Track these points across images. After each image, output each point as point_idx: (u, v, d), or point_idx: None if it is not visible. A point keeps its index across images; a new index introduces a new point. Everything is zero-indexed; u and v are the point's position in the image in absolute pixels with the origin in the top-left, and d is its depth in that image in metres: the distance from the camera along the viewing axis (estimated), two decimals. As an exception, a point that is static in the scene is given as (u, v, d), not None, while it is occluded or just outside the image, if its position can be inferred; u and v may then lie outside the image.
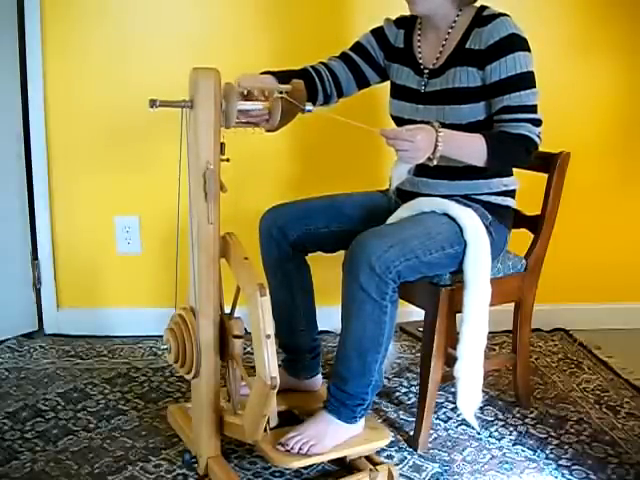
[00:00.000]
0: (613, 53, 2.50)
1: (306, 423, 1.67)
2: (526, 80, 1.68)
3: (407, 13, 1.88)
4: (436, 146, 1.58)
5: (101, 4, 2.31)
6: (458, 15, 1.76)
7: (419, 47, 1.84)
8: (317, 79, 1.85)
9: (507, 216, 1.85)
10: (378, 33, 1.91)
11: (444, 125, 1.67)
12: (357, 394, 1.65)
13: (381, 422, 1.95)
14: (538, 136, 1.69)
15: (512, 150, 1.68)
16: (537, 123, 1.69)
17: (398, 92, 1.87)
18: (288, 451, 1.60)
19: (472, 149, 1.65)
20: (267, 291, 1.46)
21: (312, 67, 1.88)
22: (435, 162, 1.61)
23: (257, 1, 2.37)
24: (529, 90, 1.68)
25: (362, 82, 1.93)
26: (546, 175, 1.91)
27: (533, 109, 1.69)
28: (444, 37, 1.77)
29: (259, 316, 1.45)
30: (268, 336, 1.45)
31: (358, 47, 1.92)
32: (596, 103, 2.54)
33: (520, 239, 1.95)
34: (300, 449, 1.59)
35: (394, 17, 1.92)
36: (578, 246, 2.60)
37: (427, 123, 1.64)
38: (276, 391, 1.45)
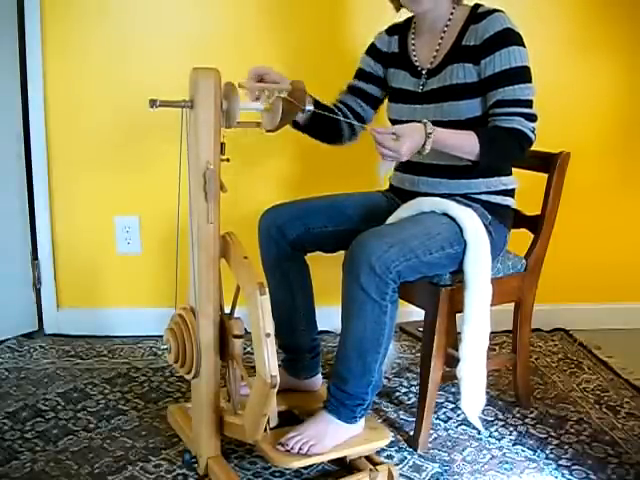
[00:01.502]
0: (613, 53, 2.50)
1: (306, 423, 1.67)
2: (520, 74, 1.68)
3: (399, 20, 1.92)
4: (424, 145, 1.60)
5: (101, 4, 2.31)
6: (452, 13, 1.77)
7: (414, 49, 1.85)
8: (341, 116, 1.88)
9: (507, 216, 1.85)
10: (371, 50, 1.96)
11: (443, 123, 1.68)
12: (357, 394, 1.65)
13: (381, 422, 1.95)
14: (532, 131, 1.68)
15: (504, 145, 1.68)
16: (531, 118, 1.68)
17: (396, 95, 1.88)
18: (288, 451, 1.60)
19: (463, 146, 1.65)
20: (267, 290, 1.46)
21: (333, 106, 1.92)
22: (422, 157, 1.63)
23: (258, 1, 2.37)
24: (523, 84, 1.68)
25: (375, 103, 1.98)
26: (546, 175, 1.91)
27: (527, 104, 1.68)
28: (440, 36, 1.79)
29: (259, 315, 1.45)
30: (268, 335, 1.45)
31: (360, 73, 1.97)
32: (596, 103, 2.54)
33: (520, 239, 1.95)
34: (300, 449, 1.59)
35: (385, 27, 1.95)
36: (578, 246, 2.60)
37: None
38: (276, 390, 1.45)
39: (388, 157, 1.58)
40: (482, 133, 1.66)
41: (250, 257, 1.54)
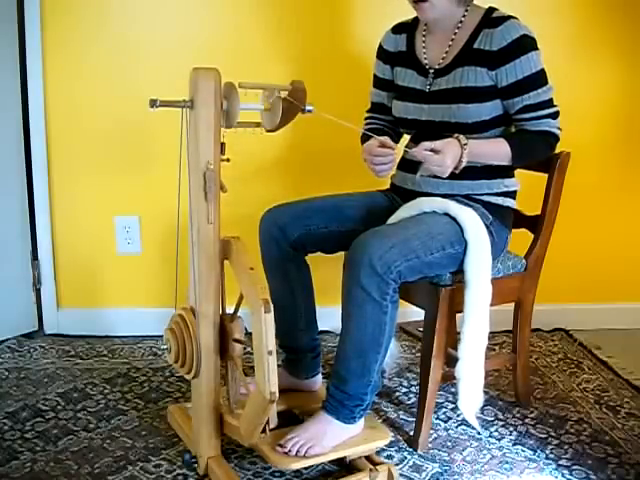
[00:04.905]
0: (613, 53, 2.50)
1: (305, 424, 1.67)
2: (540, 78, 1.73)
3: (405, 19, 1.92)
4: (460, 161, 1.66)
5: (101, 4, 2.31)
6: (464, 15, 1.77)
7: (424, 47, 1.84)
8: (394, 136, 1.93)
9: (507, 217, 1.85)
10: (379, 53, 1.97)
11: (450, 125, 1.72)
12: (356, 394, 1.65)
13: (381, 422, 1.95)
14: (558, 128, 1.76)
15: (535, 148, 1.76)
16: (555, 116, 1.75)
17: (402, 94, 1.88)
18: (287, 453, 1.60)
19: (496, 155, 1.73)
20: (271, 307, 1.45)
21: (383, 129, 1.95)
22: (457, 171, 1.68)
23: (257, 1, 2.37)
24: (545, 86, 1.73)
25: None
26: (546, 175, 1.91)
27: (550, 103, 1.74)
28: (451, 37, 1.79)
29: (262, 332, 1.44)
30: (270, 352, 1.44)
31: (375, 80, 1.99)
32: (596, 103, 2.54)
33: (520, 239, 1.95)
34: (298, 451, 1.59)
35: (390, 26, 1.95)
36: (578, 246, 2.60)
37: (443, 132, 1.70)
38: (274, 405, 1.45)
39: (435, 171, 1.66)
40: (513, 139, 1.74)
41: (250, 257, 1.54)
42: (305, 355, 1.91)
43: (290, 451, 1.60)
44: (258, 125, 1.64)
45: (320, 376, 1.96)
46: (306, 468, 1.71)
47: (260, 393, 1.46)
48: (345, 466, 1.72)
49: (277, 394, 1.44)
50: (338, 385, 1.66)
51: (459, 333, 1.73)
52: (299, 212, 1.86)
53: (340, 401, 1.66)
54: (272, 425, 1.53)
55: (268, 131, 1.64)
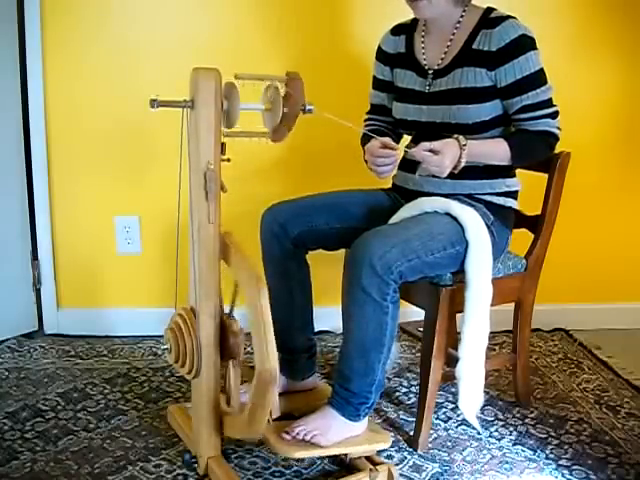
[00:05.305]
0: (613, 53, 2.50)
1: (311, 416, 1.67)
2: (539, 78, 1.73)
3: (404, 20, 1.92)
4: (459, 162, 1.66)
5: (101, 4, 2.31)
6: (462, 15, 1.77)
7: (423, 48, 1.85)
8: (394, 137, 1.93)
9: (509, 217, 1.85)
10: (379, 55, 1.98)
11: (451, 126, 1.72)
12: (361, 393, 1.66)
13: (381, 422, 1.95)
14: (558, 128, 1.76)
15: (534, 148, 1.76)
16: (554, 115, 1.75)
17: (402, 95, 1.88)
18: (294, 437, 1.61)
19: (495, 155, 1.73)
20: (264, 280, 1.46)
21: (383, 130, 1.95)
22: (456, 171, 1.68)
23: (257, 1, 2.37)
24: (544, 86, 1.73)
25: None
26: (546, 175, 1.91)
27: (549, 103, 1.74)
28: (449, 37, 1.79)
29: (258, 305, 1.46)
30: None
31: (375, 82, 2.00)
32: (596, 103, 2.54)
33: (520, 239, 1.95)
34: (305, 435, 1.61)
35: (389, 27, 1.95)
36: (578, 246, 2.60)
37: (443, 133, 1.70)
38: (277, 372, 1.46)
39: (433, 171, 1.66)
40: (512, 139, 1.74)
41: (250, 255, 1.55)
42: (300, 355, 1.91)
43: (298, 434, 1.61)
44: (264, 135, 1.63)
45: (316, 375, 1.96)
46: (306, 468, 1.71)
47: (261, 371, 1.45)
48: (345, 466, 1.73)
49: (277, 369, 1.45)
50: (342, 384, 1.67)
51: (459, 333, 1.73)
52: (300, 209, 1.86)
53: (345, 399, 1.66)
54: (275, 415, 1.53)
55: (273, 140, 1.62)
